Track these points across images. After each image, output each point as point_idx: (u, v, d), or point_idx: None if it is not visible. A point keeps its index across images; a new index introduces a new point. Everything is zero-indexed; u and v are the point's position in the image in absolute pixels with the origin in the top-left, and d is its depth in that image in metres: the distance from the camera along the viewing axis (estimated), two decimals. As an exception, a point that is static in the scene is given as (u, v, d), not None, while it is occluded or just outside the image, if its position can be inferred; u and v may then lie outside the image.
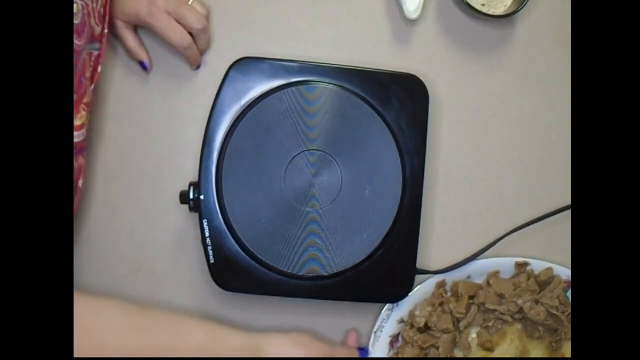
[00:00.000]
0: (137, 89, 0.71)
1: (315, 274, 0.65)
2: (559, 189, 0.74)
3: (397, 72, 0.67)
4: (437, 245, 0.73)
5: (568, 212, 0.73)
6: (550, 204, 0.73)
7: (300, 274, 0.64)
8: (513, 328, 0.72)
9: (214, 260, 0.64)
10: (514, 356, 0.71)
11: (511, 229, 0.72)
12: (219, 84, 0.66)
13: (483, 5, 0.73)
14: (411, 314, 0.70)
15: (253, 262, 0.64)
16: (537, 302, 0.70)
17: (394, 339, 0.70)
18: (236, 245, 0.64)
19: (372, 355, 0.69)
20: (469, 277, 0.71)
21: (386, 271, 0.66)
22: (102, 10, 0.62)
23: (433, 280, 0.70)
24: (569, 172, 0.74)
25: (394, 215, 0.65)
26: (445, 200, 0.73)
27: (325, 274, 0.65)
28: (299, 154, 0.65)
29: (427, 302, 0.70)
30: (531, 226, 0.72)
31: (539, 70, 0.75)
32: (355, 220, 0.65)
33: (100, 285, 0.70)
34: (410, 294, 0.69)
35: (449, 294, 0.71)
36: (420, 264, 0.69)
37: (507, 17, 0.72)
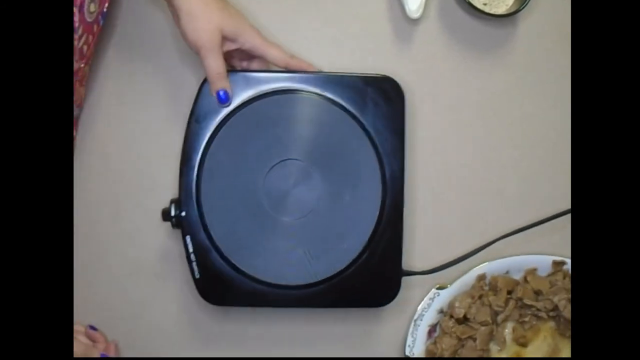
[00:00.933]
0: (127, 96, 0.72)
1: (300, 283, 0.64)
2: (560, 189, 0.74)
3: (370, 74, 0.67)
4: (436, 244, 0.73)
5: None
6: (551, 204, 0.73)
7: (286, 283, 0.64)
8: (546, 326, 0.72)
9: (200, 275, 0.64)
10: (545, 355, 0.72)
11: (510, 229, 0.71)
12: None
13: (485, 4, 0.73)
14: (451, 305, 0.71)
15: (239, 275, 0.64)
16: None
17: (432, 329, 0.71)
18: (220, 260, 0.64)
19: (415, 343, 0.70)
20: (507, 272, 0.72)
21: (372, 276, 0.65)
22: (84, 47, 0.61)
23: (474, 273, 0.71)
24: (570, 172, 0.74)
25: (376, 219, 0.65)
26: (444, 199, 0.73)
27: (311, 282, 0.64)
28: (276, 164, 0.64)
29: (467, 294, 0.71)
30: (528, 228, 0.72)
31: (540, 70, 0.74)
32: (337, 227, 0.65)
33: (86, 302, 0.70)
34: (451, 285, 0.70)
35: (487, 287, 0.72)
36: (417, 265, 0.69)
37: (509, 16, 0.71)
